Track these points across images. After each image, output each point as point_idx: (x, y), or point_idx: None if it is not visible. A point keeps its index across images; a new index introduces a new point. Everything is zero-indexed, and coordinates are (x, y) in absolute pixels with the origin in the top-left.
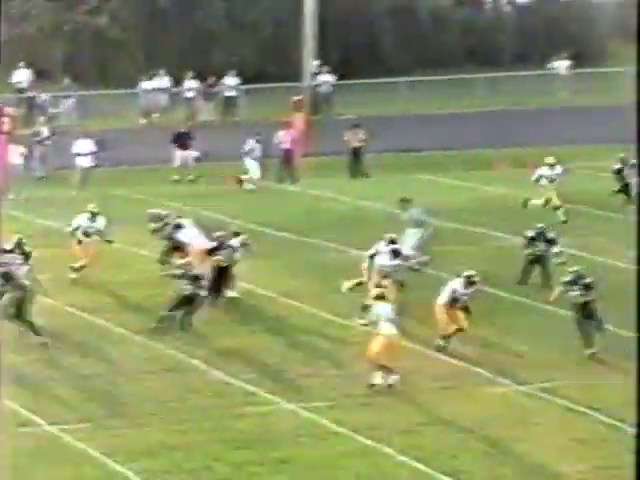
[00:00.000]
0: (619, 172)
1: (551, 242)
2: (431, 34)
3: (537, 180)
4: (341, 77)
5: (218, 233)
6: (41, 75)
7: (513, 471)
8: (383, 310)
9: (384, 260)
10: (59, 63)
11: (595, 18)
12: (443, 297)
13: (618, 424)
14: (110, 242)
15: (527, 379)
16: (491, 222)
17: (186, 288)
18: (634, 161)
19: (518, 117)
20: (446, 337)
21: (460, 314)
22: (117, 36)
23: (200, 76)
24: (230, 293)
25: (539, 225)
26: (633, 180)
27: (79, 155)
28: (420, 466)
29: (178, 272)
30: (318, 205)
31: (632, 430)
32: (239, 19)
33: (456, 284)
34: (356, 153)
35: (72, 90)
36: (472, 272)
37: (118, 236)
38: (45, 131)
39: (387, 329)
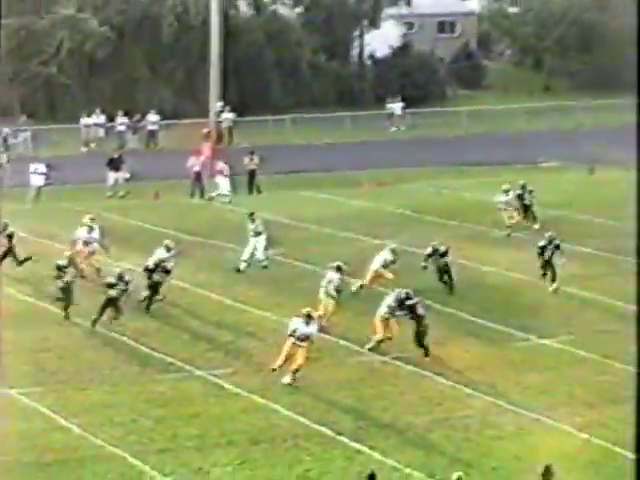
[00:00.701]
0: (520, 197)
1: (558, 247)
2: (309, 81)
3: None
4: (239, 114)
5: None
6: (3, 113)
7: (375, 422)
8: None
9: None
10: (17, 104)
11: (437, 69)
12: (381, 310)
13: (457, 385)
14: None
15: (385, 351)
16: (356, 228)
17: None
18: (531, 188)
19: (375, 146)
20: (379, 342)
21: (394, 324)
22: (63, 82)
23: (128, 113)
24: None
25: (547, 234)
26: (534, 202)
27: (34, 174)
28: (301, 419)
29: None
30: (221, 215)
31: (469, 390)
32: (158, 68)
33: (332, 274)
34: (252, 174)
35: (28, 125)
36: (341, 263)
37: (66, 239)
38: (4, 157)
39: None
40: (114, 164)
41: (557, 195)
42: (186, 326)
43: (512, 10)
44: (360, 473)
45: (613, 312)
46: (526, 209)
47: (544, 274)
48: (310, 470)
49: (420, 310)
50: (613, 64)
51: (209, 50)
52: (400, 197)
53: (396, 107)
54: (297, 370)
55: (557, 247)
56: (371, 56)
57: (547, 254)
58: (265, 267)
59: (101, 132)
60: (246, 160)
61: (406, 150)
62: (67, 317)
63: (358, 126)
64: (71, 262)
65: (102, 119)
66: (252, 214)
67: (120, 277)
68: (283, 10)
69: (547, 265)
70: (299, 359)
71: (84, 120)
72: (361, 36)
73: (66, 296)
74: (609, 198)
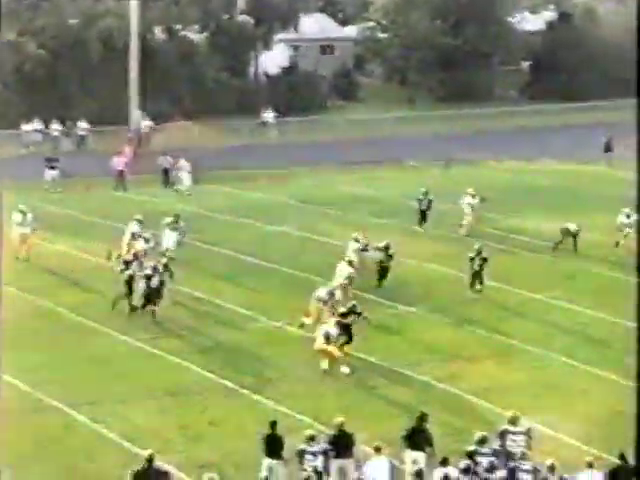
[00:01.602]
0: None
1: (485, 260)
2: (215, 94)
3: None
4: (156, 122)
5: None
6: None
7: (271, 377)
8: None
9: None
10: None
11: (320, 84)
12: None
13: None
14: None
15: (278, 318)
16: (253, 215)
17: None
18: (431, 196)
19: (269, 148)
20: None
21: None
22: (7, 96)
23: (62, 121)
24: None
25: (476, 246)
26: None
27: None
28: (210, 375)
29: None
30: (141, 206)
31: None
32: (88, 83)
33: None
34: (165, 172)
35: None
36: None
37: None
38: None
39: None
40: (50, 163)
41: (419, 187)
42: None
43: (382, 35)
44: (258, 418)
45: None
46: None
47: (472, 283)
48: (217, 417)
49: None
50: (466, 80)
51: (130, 68)
52: (289, 190)
53: (268, 116)
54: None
55: (485, 260)
56: (265, 73)
57: (476, 265)
58: (172, 259)
59: (39, 137)
60: (161, 160)
61: (293, 151)
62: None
63: (255, 131)
64: None
65: (40, 126)
66: (176, 216)
67: (155, 268)
68: (192, 35)
69: (476, 275)
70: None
71: (24, 127)
72: (257, 57)
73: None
74: (462, 188)
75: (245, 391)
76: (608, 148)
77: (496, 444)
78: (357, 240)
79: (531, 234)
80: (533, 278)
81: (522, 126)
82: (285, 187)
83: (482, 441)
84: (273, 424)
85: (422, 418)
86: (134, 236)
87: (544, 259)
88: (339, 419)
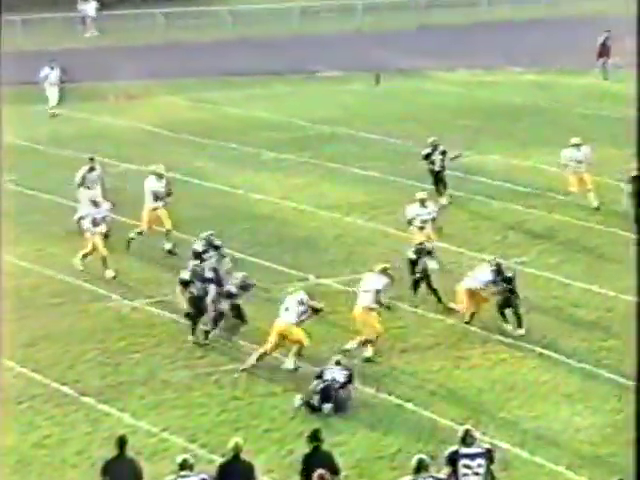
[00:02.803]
0: (427, 157)
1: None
2: None
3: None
4: None
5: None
6: None
7: (125, 380)
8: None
9: None
10: None
11: None
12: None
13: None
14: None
15: (136, 295)
16: (102, 149)
17: None
18: (442, 147)
19: (122, 52)
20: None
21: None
22: None
23: None
24: None
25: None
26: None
27: None
28: (38, 377)
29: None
30: None
31: (240, 342)
32: None
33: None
34: None
35: None
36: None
37: None
38: None
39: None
40: None
41: (337, 110)
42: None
43: None
44: (107, 439)
45: (399, 242)
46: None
47: (415, 286)
48: (48, 436)
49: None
50: None
51: None
52: (152, 113)
53: (89, 8)
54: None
55: (429, 253)
56: None
57: (420, 267)
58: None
59: None
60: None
61: (158, 57)
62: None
63: (102, 28)
64: None
65: None
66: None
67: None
68: None
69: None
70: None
71: None
72: None
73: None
74: (396, 112)
75: (88, 399)
76: (604, 52)
77: (443, 473)
78: None
79: (495, 175)
80: (493, 235)
81: (483, 21)
82: (145, 108)
83: (420, 468)
84: (121, 443)
85: (314, 437)
86: (157, 198)
87: (513, 210)
88: (234, 440)
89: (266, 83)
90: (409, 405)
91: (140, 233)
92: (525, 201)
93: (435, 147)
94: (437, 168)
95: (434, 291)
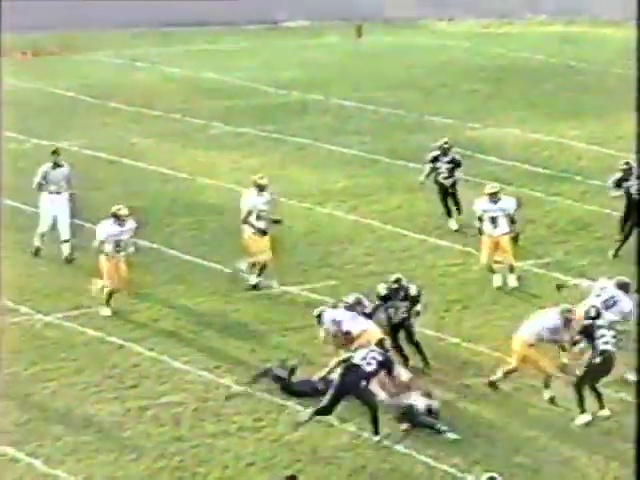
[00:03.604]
0: (433, 162)
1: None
2: None
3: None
4: None
5: None
6: None
7: (40, 414)
8: None
9: None
10: None
11: None
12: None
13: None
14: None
15: (50, 307)
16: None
17: None
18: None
19: None
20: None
21: None
22: None
23: None
24: None
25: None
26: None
27: None
28: None
29: None
30: None
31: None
32: None
33: None
34: None
35: None
36: None
37: None
38: None
39: None
40: None
41: (307, 71)
42: None
43: None
44: None
45: (388, 239)
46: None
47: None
48: None
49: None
50: None
51: None
52: (70, 73)
53: None
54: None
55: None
56: None
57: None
58: None
59: None
60: None
61: (78, 3)
62: None
63: None
64: None
65: None
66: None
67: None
68: None
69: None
70: None
71: None
72: None
73: None
74: (383, 74)
75: None
76: None
77: None
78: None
79: (510, 153)
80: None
81: None
82: (62, 68)
83: None
84: None
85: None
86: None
87: (533, 199)
88: None
89: (216, 36)
90: (399, 447)
91: (260, 270)
92: (548, 187)
93: (445, 151)
94: (442, 180)
95: (417, 347)
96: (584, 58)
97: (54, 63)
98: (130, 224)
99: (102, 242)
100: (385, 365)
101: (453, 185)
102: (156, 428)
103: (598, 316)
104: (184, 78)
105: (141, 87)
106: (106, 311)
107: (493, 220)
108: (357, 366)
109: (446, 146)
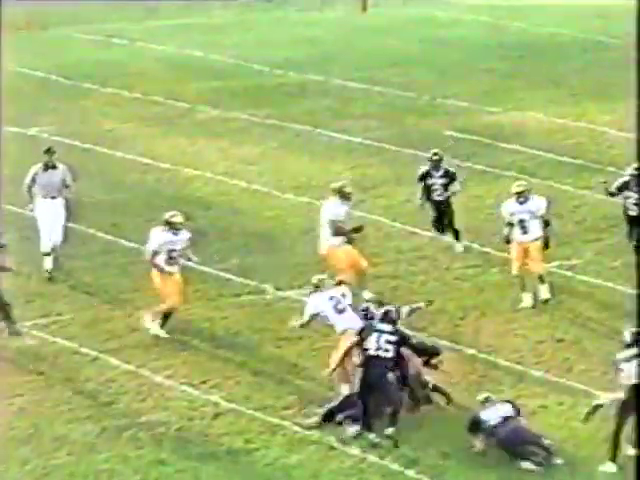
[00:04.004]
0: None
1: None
2: None
3: None
4: None
5: None
6: None
7: (4, 434)
8: None
9: None
10: None
11: None
12: None
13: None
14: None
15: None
16: None
17: None
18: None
19: None
20: None
21: None
22: None
23: None
24: None
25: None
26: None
27: None
28: None
29: None
30: None
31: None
32: None
33: None
34: None
35: None
36: None
37: None
38: None
39: None
40: None
41: (305, 48)
42: None
43: None
44: None
45: (397, 238)
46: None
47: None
48: None
49: None
50: None
51: None
52: (38, 51)
53: None
54: None
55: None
56: None
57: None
58: None
59: None
60: None
61: None
62: None
63: None
64: None
65: None
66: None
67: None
68: None
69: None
70: None
71: None
72: None
73: None
74: (390, 51)
75: None
76: None
77: None
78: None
79: (533, 141)
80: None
81: None
82: (31, 44)
83: None
84: None
85: None
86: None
87: (560, 192)
88: None
89: (203, 9)
90: (411, 473)
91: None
92: (576, 179)
93: (436, 164)
94: (438, 197)
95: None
96: (616, 33)
97: (21, 40)
98: (184, 233)
99: (155, 253)
100: (403, 342)
101: (447, 202)
102: (135, 450)
103: None
104: (167, 56)
105: (119, 67)
106: (159, 331)
107: (522, 224)
108: (376, 357)
109: (436, 158)
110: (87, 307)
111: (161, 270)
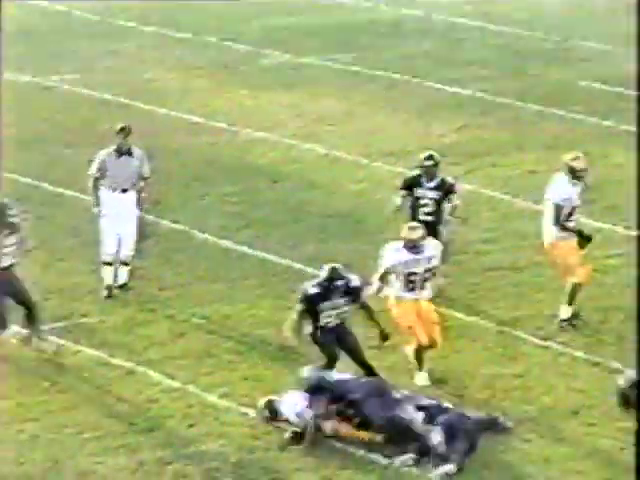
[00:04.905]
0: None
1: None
2: None
3: None
4: None
5: None
6: None
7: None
8: None
9: None
10: None
11: None
12: None
13: None
14: None
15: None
16: None
17: None
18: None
19: None
20: None
21: None
22: None
23: None
24: None
25: None
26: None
27: None
28: None
29: None
30: None
31: None
32: None
33: None
34: None
35: None
36: None
37: None
38: None
39: None
40: None
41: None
42: None
43: None
44: None
45: (517, 218)
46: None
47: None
48: None
49: None
50: None
51: None
52: None
53: None
54: None
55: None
56: None
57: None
58: None
59: None
60: None
61: None
62: None
63: None
64: None
65: None
66: None
67: None
68: None
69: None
70: None
71: None
72: None
73: None
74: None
75: None
76: None
77: None
78: None
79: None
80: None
81: None
82: None
83: None
84: None
85: None
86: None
87: None
88: None
89: None
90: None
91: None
92: None
93: (429, 171)
94: (426, 217)
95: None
96: None
97: None
98: (430, 250)
99: (387, 272)
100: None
101: (437, 224)
102: None
103: None
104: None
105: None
106: (422, 378)
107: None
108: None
109: (430, 163)
110: (120, 306)
111: (397, 298)
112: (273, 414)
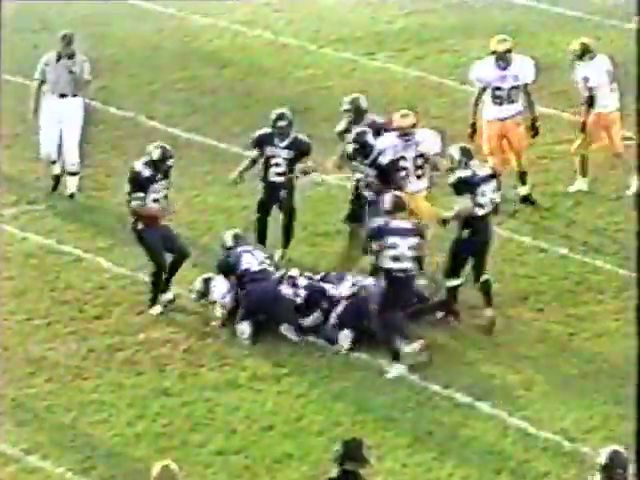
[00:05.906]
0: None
1: None
2: None
3: None
4: None
5: None
6: None
7: None
8: None
9: None
10: None
11: None
12: None
13: None
14: None
15: None
16: None
17: None
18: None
19: None
20: None
21: None
22: None
23: None
24: None
25: None
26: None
27: None
28: None
29: None
30: None
31: None
32: None
33: None
34: None
35: None
36: None
37: None
38: None
39: None
40: None
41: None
42: None
43: None
44: None
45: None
46: None
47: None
48: None
49: None
50: None
51: None
52: None
53: None
54: None
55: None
56: None
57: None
58: None
59: None
60: None
61: None
62: None
63: None
64: None
65: None
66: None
67: None
68: None
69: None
70: None
71: None
72: None
73: None
74: None
75: None
76: None
77: None
78: None
79: None
80: None
81: None
82: None
83: None
84: None
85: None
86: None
87: None
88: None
89: None
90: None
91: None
92: None
93: (282, 131)
94: (276, 178)
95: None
96: None
97: None
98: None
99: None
100: None
101: (289, 186)
102: (131, 377)
103: None
104: None
105: None
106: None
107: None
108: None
109: (283, 123)
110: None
111: None
112: (205, 293)
